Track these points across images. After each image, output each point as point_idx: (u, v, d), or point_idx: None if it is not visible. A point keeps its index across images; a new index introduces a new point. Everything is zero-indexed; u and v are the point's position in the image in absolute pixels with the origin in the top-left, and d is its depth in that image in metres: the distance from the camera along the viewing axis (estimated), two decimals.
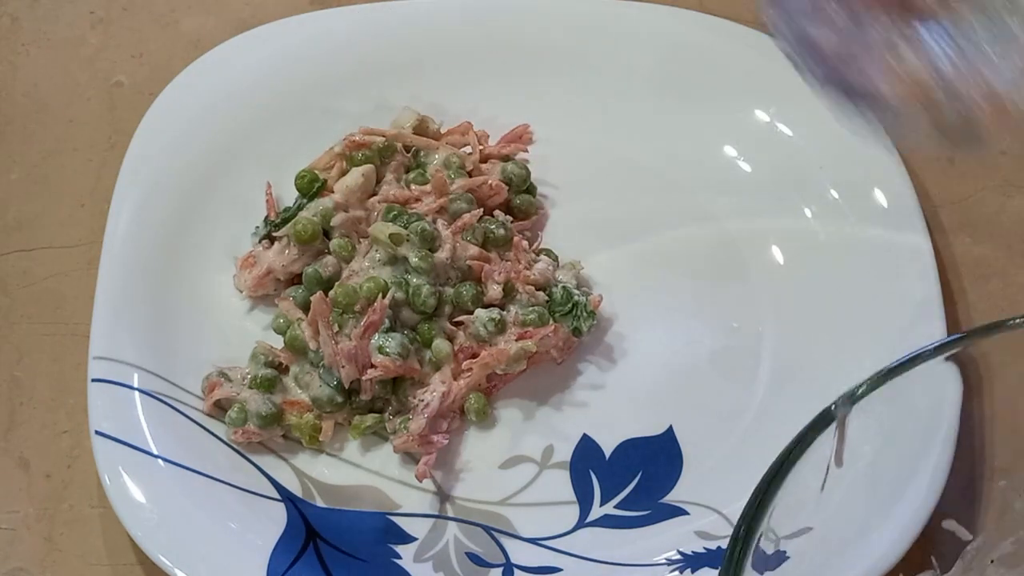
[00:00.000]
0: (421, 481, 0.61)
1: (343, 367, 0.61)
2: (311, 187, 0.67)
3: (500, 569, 0.59)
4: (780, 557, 0.57)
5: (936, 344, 0.48)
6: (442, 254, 0.64)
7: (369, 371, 0.61)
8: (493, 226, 0.66)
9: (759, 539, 0.44)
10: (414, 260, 0.63)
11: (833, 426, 0.46)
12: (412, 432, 0.61)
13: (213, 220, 0.68)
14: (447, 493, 0.62)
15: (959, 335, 0.49)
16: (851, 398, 0.46)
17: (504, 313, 0.64)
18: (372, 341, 0.62)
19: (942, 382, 0.51)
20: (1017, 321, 0.49)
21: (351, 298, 0.63)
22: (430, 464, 0.61)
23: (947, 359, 0.49)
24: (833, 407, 0.46)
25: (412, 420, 0.61)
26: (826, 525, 0.50)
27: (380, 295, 0.62)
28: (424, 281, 0.63)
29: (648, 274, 0.68)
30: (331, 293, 0.63)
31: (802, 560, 0.48)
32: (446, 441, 0.61)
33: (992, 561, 0.53)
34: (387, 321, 0.62)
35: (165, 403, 0.62)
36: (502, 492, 0.62)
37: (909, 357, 0.47)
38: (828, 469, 0.47)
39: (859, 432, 0.47)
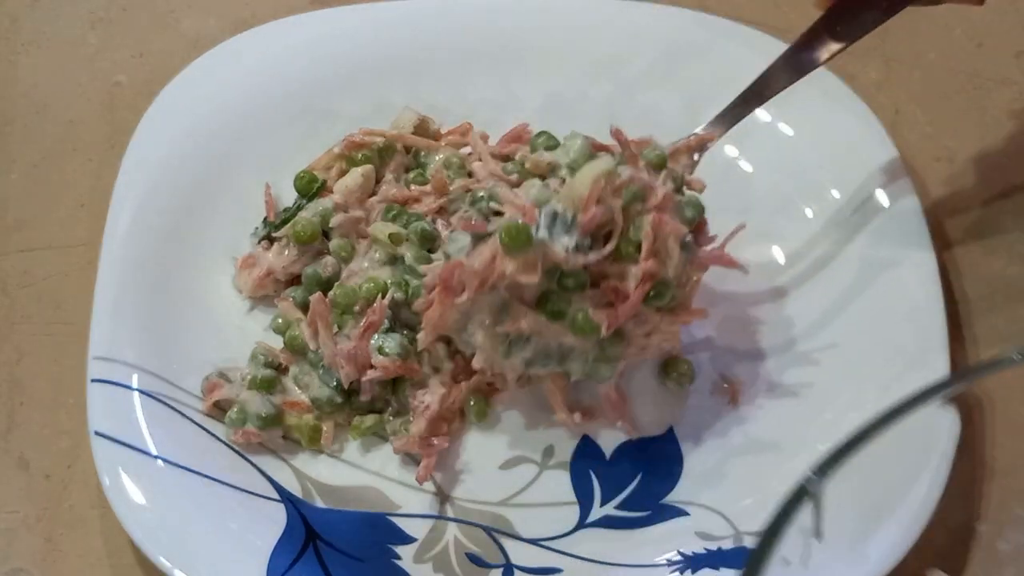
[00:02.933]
0: (422, 484, 0.61)
1: (343, 367, 0.61)
2: (310, 188, 0.67)
3: (500, 569, 0.59)
4: None
5: (916, 395, 0.48)
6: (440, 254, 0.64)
7: (369, 372, 0.61)
8: None
9: None
10: (410, 260, 0.63)
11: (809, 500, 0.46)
12: (413, 435, 0.61)
13: (213, 220, 0.68)
14: (447, 494, 0.62)
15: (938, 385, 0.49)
16: (822, 472, 0.47)
17: None
18: (372, 341, 0.62)
19: (932, 424, 0.51)
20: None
21: (350, 299, 0.63)
22: (431, 467, 0.61)
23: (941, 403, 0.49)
24: (807, 482, 0.46)
25: (413, 422, 0.61)
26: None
27: (380, 295, 0.62)
28: (423, 281, 0.63)
29: None
30: (330, 294, 0.63)
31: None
32: (447, 444, 0.61)
33: None
34: (387, 321, 0.62)
35: (165, 403, 0.62)
36: (502, 493, 0.62)
37: (861, 433, 0.48)
38: (808, 541, 0.48)
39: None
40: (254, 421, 0.62)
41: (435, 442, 0.61)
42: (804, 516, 0.46)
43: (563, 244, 0.56)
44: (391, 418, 0.63)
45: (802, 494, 0.46)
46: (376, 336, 0.62)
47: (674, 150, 0.62)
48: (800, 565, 0.47)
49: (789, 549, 0.46)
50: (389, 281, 0.63)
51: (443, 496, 0.62)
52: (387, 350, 0.61)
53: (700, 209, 0.60)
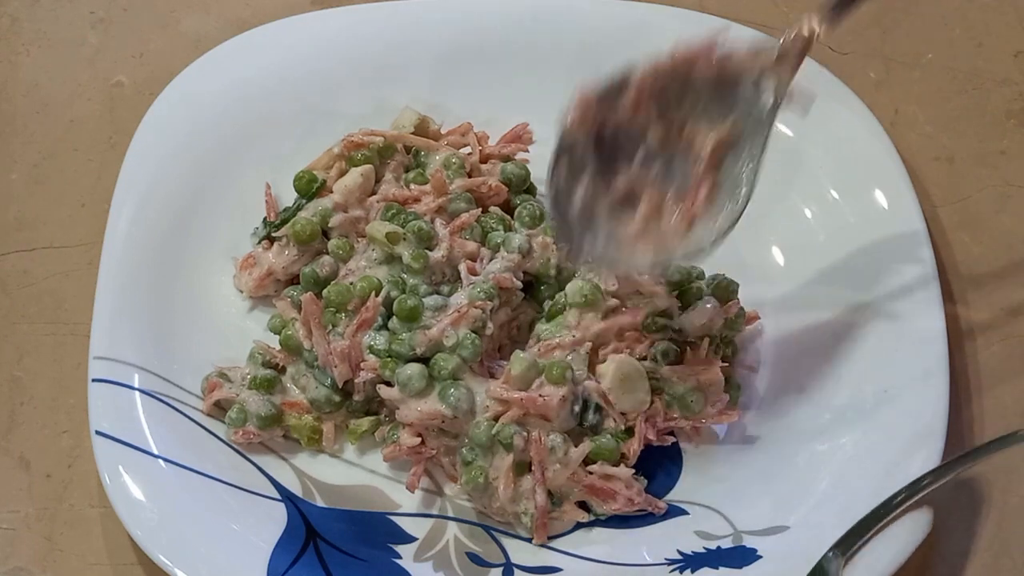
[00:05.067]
0: (413, 492, 0.61)
1: (335, 366, 0.61)
2: (309, 187, 0.67)
3: (500, 569, 0.59)
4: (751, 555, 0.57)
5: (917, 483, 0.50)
6: (438, 253, 0.64)
7: (361, 373, 0.61)
8: (492, 221, 0.66)
9: None
10: (407, 259, 0.63)
11: None
12: (402, 444, 0.61)
13: (213, 220, 0.68)
14: (447, 493, 0.62)
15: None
16: (843, 552, 0.47)
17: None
18: (364, 340, 0.62)
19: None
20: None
21: (344, 297, 0.62)
22: (419, 475, 0.61)
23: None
24: (825, 560, 0.48)
25: (403, 432, 0.61)
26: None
27: (373, 293, 0.62)
28: (420, 280, 0.63)
29: None
30: (324, 292, 0.63)
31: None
32: (434, 452, 0.61)
33: None
34: (379, 319, 0.62)
35: (165, 403, 0.62)
36: None
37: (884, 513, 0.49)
38: None
39: None
40: (254, 421, 0.62)
41: (423, 450, 0.61)
42: None
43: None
44: (386, 419, 0.63)
45: (821, 571, 0.47)
46: (369, 334, 0.62)
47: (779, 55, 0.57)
48: None
49: None
50: (385, 280, 0.63)
51: (443, 495, 0.62)
52: (377, 348, 0.61)
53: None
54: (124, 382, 0.61)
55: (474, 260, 0.64)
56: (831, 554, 0.48)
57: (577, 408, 0.60)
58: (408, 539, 0.60)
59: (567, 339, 0.61)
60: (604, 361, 0.61)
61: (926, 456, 0.58)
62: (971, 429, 0.64)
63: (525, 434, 0.59)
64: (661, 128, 0.58)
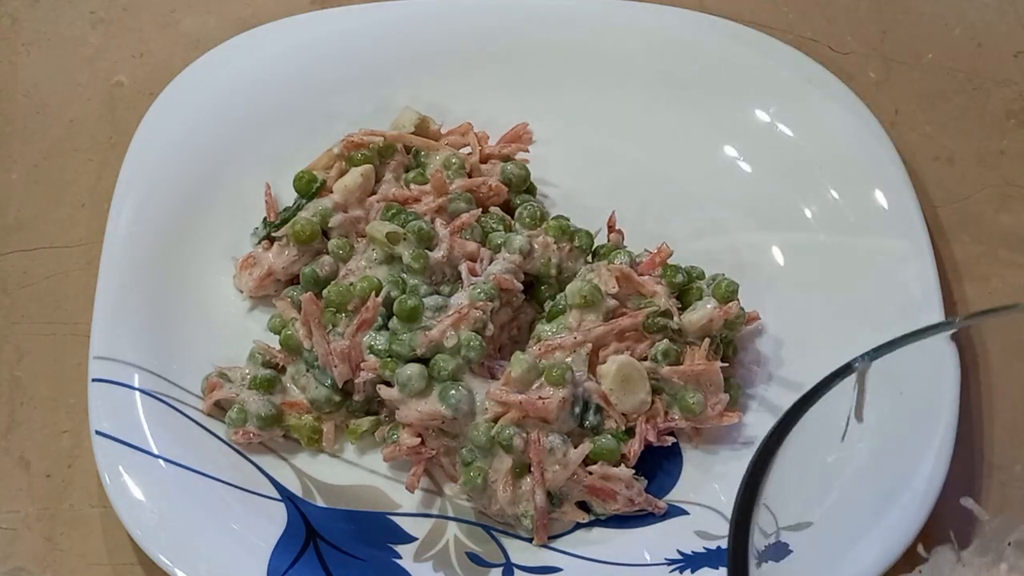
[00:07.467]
0: (413, 492, 0.61)
1: (335, 366, 0.61)
2: (309, 187, 0.67)
3: (500, 569, 0.59)
4: (782, 550, 0.57)
5: (943, 322, 0.49)
6: (438, 253, 0.64)
7: (361, 373, 0.61)
8: (493, 221, 0.66)
9: (760, 495, 0.44)
10: (407, 259, 0.63)
11: (853, 378, 0.47)
12: (402, 444, 0.61)
13: (213, 220, 0.68)
14: (447, 493, 0.62)
15: (963, 317, 0.50)
16: (872, 356, 0.47)
17: None
18: (364, 340, 0.62)
19: (942, 362, 0.52)
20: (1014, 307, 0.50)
21: (344, 297, 0.62)
22: (419, 475, 0.61)
23: (951, 337, 0.50)
24: (855, 362, 0.47)
25: (403, 432, 0.61)
26: (828, 519, 0.51)
27: (373, 293, 0.62)
28: (420, 280, 0.63)
29: None
30: (324, 292, 0.63)
31: (806, 555, 0.48)
32: (434, 452, 0.61)
33: (1009, 543, 0.53)
34: (380, 319, 0.62)
35: (165, 403, 0.62)
36: None
37: (919, 329, 0.49)
38: (848, 422, 0.48)
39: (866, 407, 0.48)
40: (254, 421, 0.62)
41: (423, 451, 0.61)
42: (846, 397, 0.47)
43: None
44: (386, 419, 0.63)
45: (847, 370, 0.47)
46: (369, 334, 0.62)
47: None
48: (836, 440, 0.48)
49: (828, 426, 0.47)
50: (385, 280, 0.63)
51: (443, 495, 0.62)
52: (377, 348, 0.61)
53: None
54: (124, 382, 0.61)
55: (474, 260, 0.64)
56: (860, 358, 0.48)
57: (577, 409, 0.60)
58: (408, 539, 0.60)
59: (568, 340, 0.61)
60: (604, 362, 0.61)
61: (941, 439, 0.58)
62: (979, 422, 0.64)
63: (524, 435, 0.59)
64: None
